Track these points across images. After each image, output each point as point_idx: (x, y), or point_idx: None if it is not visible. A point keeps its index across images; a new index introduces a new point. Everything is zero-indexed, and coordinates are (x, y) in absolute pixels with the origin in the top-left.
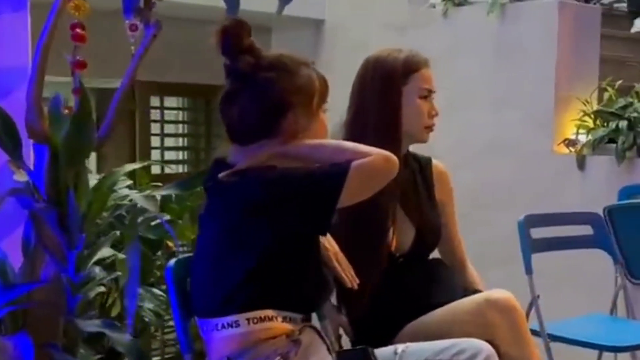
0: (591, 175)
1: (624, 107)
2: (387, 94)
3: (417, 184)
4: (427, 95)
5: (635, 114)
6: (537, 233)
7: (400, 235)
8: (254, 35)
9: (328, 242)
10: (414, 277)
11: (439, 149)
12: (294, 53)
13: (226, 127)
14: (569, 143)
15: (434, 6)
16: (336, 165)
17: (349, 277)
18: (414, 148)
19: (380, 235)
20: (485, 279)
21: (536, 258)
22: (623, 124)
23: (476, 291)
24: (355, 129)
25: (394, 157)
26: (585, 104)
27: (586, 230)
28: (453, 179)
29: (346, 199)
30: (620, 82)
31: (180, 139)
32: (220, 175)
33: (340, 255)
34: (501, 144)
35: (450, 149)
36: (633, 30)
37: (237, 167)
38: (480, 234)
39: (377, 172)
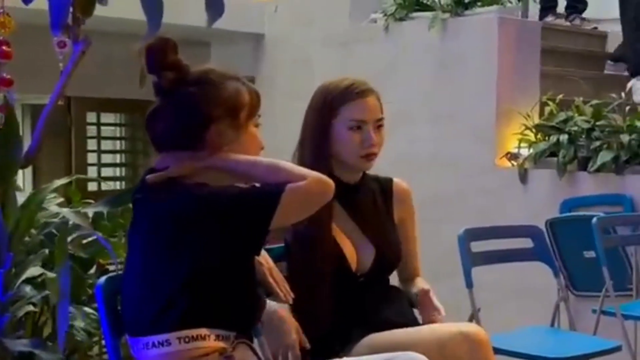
0: (533, 189)
1: (565, 121)
2: (317, 126)
3: (376, 205)
4: (356, 126)
5: (575, 128)
6: (479, 246)
7: (361, 256)
8: (193, 50)
9: (263, 258)
10: (374, 297)
11: (381, 163)
12: (224, 67)
13: (151, 142)
14: (511, 157)
15: (375, 21)
16: (270, 186)
17: (284, 292)
18: None
19: (320, 254)
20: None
21: (481, 271)
22: (564, 137)
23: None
24: (298, 155)
25: (329, 181)
26: (526, 118)
27: (526, 243)
28: None
29: (279, 220)
30: (561, 96)
31: (118, 156)
32: (148, 177)
33: (275, 271)
34: (444, 157)
35: (393, 163)
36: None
37: (167, 172)
38: (424, 247)
39: (312, 196)
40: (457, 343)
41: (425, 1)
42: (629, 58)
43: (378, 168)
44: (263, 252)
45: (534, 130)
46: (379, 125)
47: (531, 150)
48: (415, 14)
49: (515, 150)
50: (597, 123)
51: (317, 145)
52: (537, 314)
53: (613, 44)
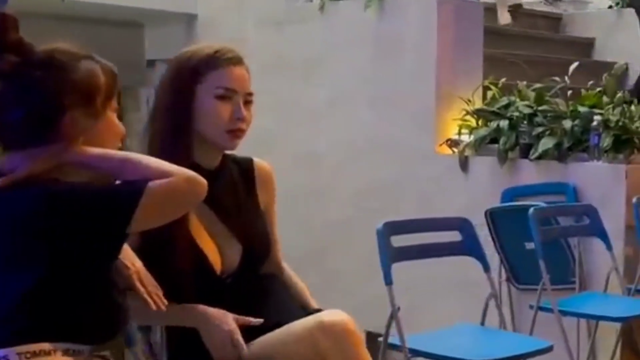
0: (474, 177)
1: (506, 106)
2: (175, 95)
3: (238, 191)
4: (225, 95)
5: (517, 113)
6: (404, 240)
7: (225, 254)
8: (126, 31)
9: (129, 261)
10: (246, 298)
11: (320, 148)
12: (75, 45)
13: None
14: (452, 143)
15: (310, 0)
16: (130, 184)
17: (154, 298)
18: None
19: (175, 257)
20: (369, 289)
21: (414, 267)
22: (504, 123)
23: (317, 310)
24: (149, 133)
25: (200, 179)
26: (467, 103)
27: (455, 236)
28: (335, 178)
29: (140, 223)
30: (503, 80)
31: None
32: None
33: (144, 274)
34: (383, 143)
35: (332, 148)
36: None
37: (16, 173)
38: (360, 239)
39: (178, 195)
40: (319, 335)
41: None
42: None
43: (312, 153)
44: (132, 254)
45: (474, 115)
46: (248, 100)
47: (472, 137)
48: None
49: (456, 137)
50: (539, 108)
51: (175, 118)
52: (475, 311)
53: (566, 25)
